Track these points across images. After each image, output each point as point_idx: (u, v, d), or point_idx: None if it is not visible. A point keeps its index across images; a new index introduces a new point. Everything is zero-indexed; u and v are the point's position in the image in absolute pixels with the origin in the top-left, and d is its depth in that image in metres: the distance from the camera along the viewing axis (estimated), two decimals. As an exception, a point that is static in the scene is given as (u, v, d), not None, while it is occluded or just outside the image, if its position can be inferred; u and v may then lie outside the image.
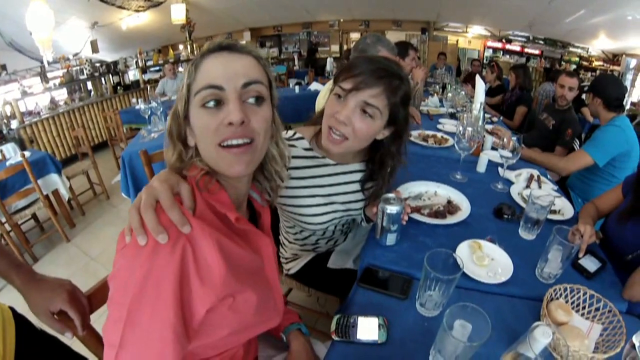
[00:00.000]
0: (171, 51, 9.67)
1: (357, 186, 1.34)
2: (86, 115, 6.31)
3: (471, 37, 10.96)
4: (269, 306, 0.88)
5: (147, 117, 3.69)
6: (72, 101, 6.52)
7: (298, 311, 1.88)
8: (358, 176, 1.34)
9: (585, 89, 2.33)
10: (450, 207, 1.45)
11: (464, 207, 1.47)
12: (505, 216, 1.42)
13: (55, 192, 3.52)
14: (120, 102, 7.08)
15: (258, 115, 0.74)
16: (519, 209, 1.49)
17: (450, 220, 1.38)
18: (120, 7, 7.23)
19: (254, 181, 0.93)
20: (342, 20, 10.90)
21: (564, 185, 2.50)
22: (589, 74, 9.41)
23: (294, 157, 1.21)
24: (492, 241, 1.23)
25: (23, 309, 1.00)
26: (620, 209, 1.45)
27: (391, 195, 1.18)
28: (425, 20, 10.28)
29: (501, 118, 3.59)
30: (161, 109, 3.73)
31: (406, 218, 1.19)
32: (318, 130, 1.22)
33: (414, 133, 2.36)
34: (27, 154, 3.20)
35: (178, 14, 8.12)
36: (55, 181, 3.47)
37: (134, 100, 6.09)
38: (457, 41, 11.03)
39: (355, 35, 11.33)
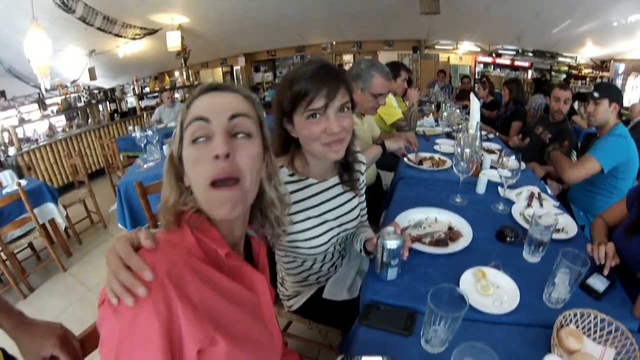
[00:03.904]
0: (167, 78, 9.76)
1: (342, 199, 1.38)
2: (83, 143, 6.31)
3: (462, 54, 11.08)
4: (266, 345, 0.84)
5: (142, 145, 3.68)
6: (70, 128, 6.54)
7: (300, 343, 1.86)
8: (339, 189, 1.38)
9: (596, 94, 2.20)
10: (452, 234, 1.42)
11: (466, 232, 1.44)
12: (508, 239, 1.39)
13: (52, 221, 3.49)
14: (117, 130, 7.09)
15: (244, 150, 0.74)
16: (522, 230, 1.46)
17: (452, 248, 1.35)
18: (117, 35, 7.31)
19: (251, 224, 0.92)
20: (334, 42, 11.04)
21: (564, 199, 2.47)
22: (579, 82, 9.51)
23: None
24: (496, 267, 1.20)
25: (14, 349, 0.98)
26: (625, 223, 1.43)
27: (390, 228, 1.16)
28: (416, 38, 10.41)
29: (497, 134, 3.59)
30: (157, 137, 3.71)
31: (406, 254, 1.16)
32: (290, 158, 1.27)
33: (410, 156, 2.34)
34: (23, 182, 3.18)
35: (173, 41, 8.21)
36: (51, 210, 3.44)
37: (130, 127, 6.09)
38: (448, 58, 11.17)
39: (347, 57, 11.48)
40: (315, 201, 1.31)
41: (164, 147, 3.61)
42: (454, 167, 1.72)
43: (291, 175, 1.28)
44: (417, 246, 1.35)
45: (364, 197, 1.54)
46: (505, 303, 1.08)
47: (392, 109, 3.01)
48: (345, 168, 1.36)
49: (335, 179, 1.37)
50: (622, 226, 1.43)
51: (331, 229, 1.35)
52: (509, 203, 1.72)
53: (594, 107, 2.24)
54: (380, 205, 2.20)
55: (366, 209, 1.58)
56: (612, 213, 1.58)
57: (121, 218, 3.15)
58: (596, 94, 2.21)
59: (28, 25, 5.08)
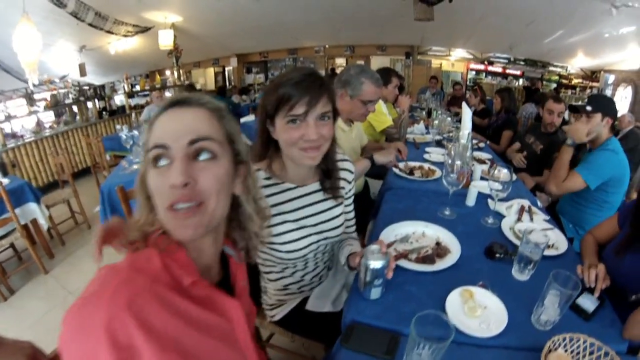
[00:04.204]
0: (158, 77, 9.67)
1: (323, 205, 1.35)
2: (70, 141, 6.20)
3: (454, 60, 11.17)
4: None
5: (129, 146, 3.60)
6: (58, 124, 6.45)
7: (283, 355, 1.80)
8: (320, 195, 1.35)
9: (589, 108, 2.15)
10: (439, 250, 1.38)
11: (454, 249, 1.40)
12: (498, 255, 1.35)
13: (35, 221, 3.40)
14: (106, 128, 7.00)
15: (208, 174, 0.69)
16: (511, 246, 1.43)
17: (440, 265, 1.30)
18: (108, 31, 7.27)
19: (230, 238, 0.87)
20: (327, 45, 11.05)
21: (553, 210, 2.45)
22: (569, 92, 9.63)
23: None
24: (484, 287, 1.16)
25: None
26: (617, 241, 1.41)
27: (375, 247, 1.11)
28: (410, 44, 10.46)
29: (487, 142, 3.57)
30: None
31: (391, 274, 1.12)
32: (268, 162, 1.27)
33: (400, 165, 2.29)
34: (5, 181, 3.10)
35: (166, 39, 8.17)
36: (33, 210, 3.34)
37: (118, 126, 5.99)
38: (440, 64, 11.24)
39: (340, 61, 11.50)
40: (292, 206, 1.29)
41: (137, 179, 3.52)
42: (443, 179, 1.67)
43: (267, 178, 1.27)
44: (403, 263, 1.30)
45: (351, 206, 1.50)
46: (493, 325, 1.04)
47: (382, 115, 2.97)
48: (327, 175, 1.34)
49: (315, 185, 1.35)
50: (613, 244, 1.41)
51: (309, 235, 1.31)
52: (499, 216, 1.69)
53: (587, 121, 2.19)
54: (367, 215, 2.15)
55: (354, 219, 1.53)
56: (603, 230, 1.56)
57: (104, 221, 3.05)
58: (589, 108, 2.16)
59: (19, 19, 5.00)
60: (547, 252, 1.40)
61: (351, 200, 1.50)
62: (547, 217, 1.71)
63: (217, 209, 0.72)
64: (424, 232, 1.53)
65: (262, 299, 1.55)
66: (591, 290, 1.18)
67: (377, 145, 2.61)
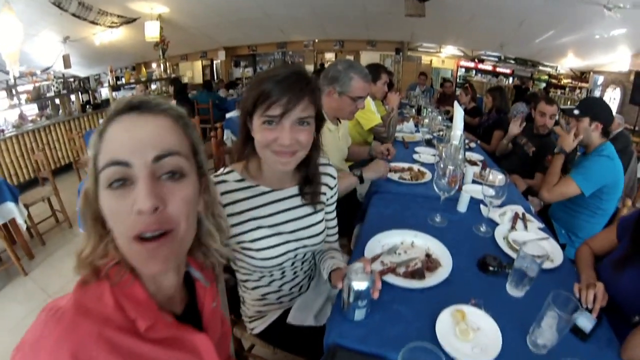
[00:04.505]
0: (144, 69, 9.47)
1: (301, 211, 1.26)
2: (52, 135, 5.94)
3: (444, 57, 11.17)
4: None
5: None
6: (40, 118, 6.19)
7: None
8: (298, 200, 1.26)
9: (577, 111, 2.12)
10: (429, 263, 1.28)
11: (445, 261, 1.30)
12: (491, 269, 1.27)
13: (13, 220, 3.23)
14: (89, 122, 6.77)
15: (177, 197, 0.60)
16: (505, 258, 1.34)
17: (430, 281, 1.21)
18: (92, 22, 7.13)
19: (192, 257, 0.77)
20: (316, 40, 10.95)
21: (546, 215, 2.38)
22: (558, 92, 9.70)
23: (227, 192, 1.16)
24: (477, 305, 1.07)
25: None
26: (615, 255, 1.33)
27: (359, 265, 1.01)
28: (400, 40, 10.40)
29: (478, 142, 3.51)
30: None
31: (377, 295, 1.02)
32: (246, 161, 1.19)
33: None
34: (-21, 181, 2.95)
35: (152, 31, 8.03)
36: (10, 210, 3.17)
37: (101, 120, 5.79)
38: (430, 61, 11.22)
39: (329, 55, 11.39)
40: (267, 210, 1.20)
41: (80, 197, 3.37)
42: (434, 185, 1.57)
43: (240, 180, 1.18)
44: (391, 279, 1.20)
45: (333, 214, 1.41)
46: (486, 349, 0.96)
47: (371, 113, 2.86)
48: (306, 180, 1.24)
49: (294, 189, 1.25)
50: (611, 258, 1.34)
51: (287, 242, 1.22)
52: (492, 224, 1.60)
53: (576, 125, 2.16)
54: (353, 217, 2.05)
55: (336, 228, 1.44)
56: (600, 241, 1.48)
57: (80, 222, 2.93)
58: (577, 112, 2.13)
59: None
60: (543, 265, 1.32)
61: (333, 207, 1.40)
62: (542, 225, 1.64)
63: (187, 235, 0.63)
64: (413, 242, 1.43)
65: (240, 310, 1.45)
66: (589, 309, 1.11)
67: (362, 151, 2.49)
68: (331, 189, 1.35)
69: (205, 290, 0.79)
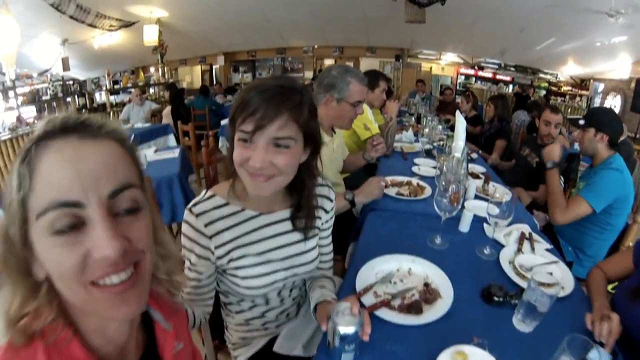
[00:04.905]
0: (142, 74, 9.41)
1: (292, 237, 1.13)
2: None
3: (444, 64, 11.12)
4: None
5: None
6: (37, 121, 6.07)
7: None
8: (289, 225, 1.12)
9: (582, 122, 2.04)
10: (428, 294, 1.14)
11: (445, 292, 1.16)
12: (496, 299, 1.14)
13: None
14: None
15: (138, 229, 0.52)
16: (511, 286, 1.22)
17: (428, 316, 1.07)
18: (90, 25, 7.09)
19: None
20: (316, 46, 10.90)
21: (552, 231, 2.26)
22: (558, 99, 9.65)
23: (208, 224, 1.01)
24: (480, 346, 0.95)
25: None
26: (631, 283, 1.21)
27: (345, 305, 0.88)
28: (400, 47, 10.35)
29: (480, 152, 3.40)
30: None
31: (366, 338, 0.89)
32: (232, 180, 1.04)
33: (387, 180, 2.01)
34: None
35: (151, 35, 8.02)
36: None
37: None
38: (430, 68, 11.17)
39: (329, 62, 11.33)
40: (254, 237, 1.07)
41: None
42: (435, 204, 1.44)
43: (223, 205, 1.05)
44: (384, 314, 1.07)
45: (328, 239, 1.27)
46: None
47: (368, 122, 2.74)
48: (299, 206, 1.11)
49: (284, 213, 1.12)
50: (627, 285, 1.22)
51: (276, 271, 1.09)
52: (497, 246, 1.47)
53: (581, 135, 2.07)
54: (348, 235, 1.89)
55: (331, 254, 1.30)
56: (614, 266, 1.36)
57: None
58: (582, 122, 2.05)
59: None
60: (552, 292, 1.20)
61: (329, 232, 1.26)
62: (550, 246, 1.51)
63: (150, 266, 0.55)
64: (410, 269, 1.28)
65: (225, 335, 1.33)
66: (602, 344, 0.99)
67: (357, 159, 2.34)
68: (327, 212, 1.21)
69: (165, 334, 0.67)
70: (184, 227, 1.02)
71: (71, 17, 6.54)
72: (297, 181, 1.06)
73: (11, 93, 6.51)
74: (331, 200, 1.22)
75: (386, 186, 1.93)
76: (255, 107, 0.88)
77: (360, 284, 1.19)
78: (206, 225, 1.00)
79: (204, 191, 1.09)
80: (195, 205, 1.03)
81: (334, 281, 1.27)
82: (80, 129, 0.49)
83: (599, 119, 2.04)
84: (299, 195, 1.09)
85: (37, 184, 0.46)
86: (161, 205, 2.72)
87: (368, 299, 1.13)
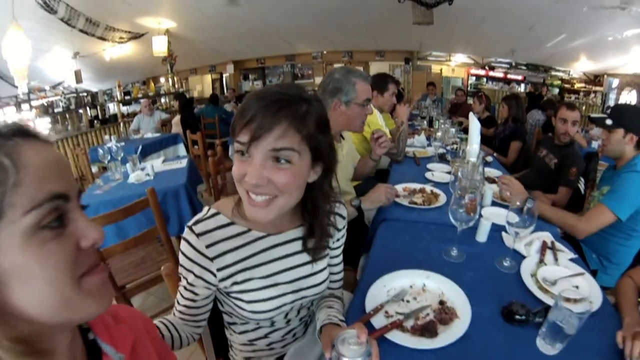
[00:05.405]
0: (152, 84, 9.50)
1: (301, 258, 1.05)
2: (60, 150, 5.88)
3: (455, 66, 11.00)
4: None
5: (106, 161, 3.28)
6: (49, 134, 6.24)
7: None
8: (299, 245, 1.04)
9: (609, 121, 1.90)
10: (444, 313, 1.06)
11: (462, 311, 1.07)
12: (518, 317, 1.06)
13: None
14: (96, 137, 6.88)
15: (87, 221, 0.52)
16: (534, 302, 1.13)
17: (444, 339, 0.98)
18: (101, 37, 7.21)
19: None
20: (325, 52, 10.87)
21: (573, 238, 2.13)
22: (572, 97, 9.47)
23: (210, 245, 0.94)
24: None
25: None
26: None
27: (351, 333, 0.79)
28: (409, 50, 10.27)
29: (494, 154, 3.29)
30: (122, 154, 3.32)
31: None
32: (238, 197, 0.95)
33: (398, 188, 1.95)
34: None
35: (160, 45, 8.09)
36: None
37: (106, 137, 5.75)
38: (440, 70, 11.05)
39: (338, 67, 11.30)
40: (261, 259, 0.99)
41: (127, 164, 3.23)
42: (450, 215, 1.35)
43: (227, 225, 0.97)
44: (396, 337, 0.99)
45: (340, 257, 1.19)
46: None
47: (379, 127, 2.67)
48: (310, 229, 1.02)
49: (294, 232, 1.04)
50: None
51: (284, 295, 1.01)
52: (517, 256, 1.38)
53: (607, 136, 1.94)
54: (359, 245, 1.82)
55: (342, 273, 1.22)
56: None
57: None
58: (609, 122, 1.91)
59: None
60: (577, 308, 1.10)
61: (340, 250, 1.18)
62: (574, 256, 1.42)
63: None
64: (424, 286, 1.20)
65: (229, 354, 1.26)
66: None
67: (366, 163, 2.26)
68: (339, 230, 1.13)
69: None
70: (183, 246, 0.95)
71: (81, 30, 6.63)
72: (309, 203, 0.99)
73: (25, 106, 6.62)
74: (344, 218, 1.14)
75: (397, 196, 1.85)
76: (252, 116, 0.80)
77: (370, 304, 1.11)
78: (208, 247, 0.93)
79: (206, 208, 1.01)
80: (196, 223, 0.95)
81: (342, 301, 1.20)
82: (33, 133, 0.49)
83: (627, 118, 1.90)
84: (311, 218, 1.01)
85: (25, 177, 0.43)
86: (168, 216, 2.67)
87: (379, 320, 1.05)
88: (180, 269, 0.97)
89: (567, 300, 0.94)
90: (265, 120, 0.79)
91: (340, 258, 1.20)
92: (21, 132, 0.47)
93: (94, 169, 4.67)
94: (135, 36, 7.85)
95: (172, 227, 2.69)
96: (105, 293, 0.52)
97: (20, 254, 0.43)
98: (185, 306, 0.99)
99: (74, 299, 0.47)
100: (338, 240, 1.15)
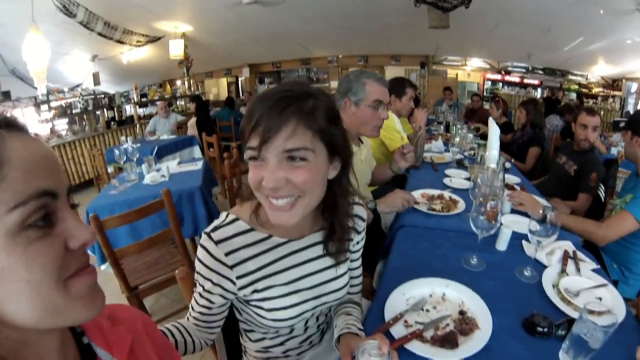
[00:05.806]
0: (168, 87, 9.63)
1: (322, 263, 1.03)
2: (77, 150, 6.17)
3: (470, 70, 10.89)
4: None
5: (122, 162, 3.31)
6: (67, 133, 6.46)
7: None
8: (319, 249, 1.02)
9: (622, 124, 1.93)
10: (464, 324, 1.03)
11: (483, 322, 1.04)
12: (540, 329, 1.02)
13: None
14: (113, 138, 7.01)
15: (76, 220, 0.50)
16: (556, 313, 1.10)
17: (464, 350, 0.95)
18: (118, 41, 7.36)
19: None
20: (340, 56, 10.88)
21: (594, 247, 2.08)
22: (590, 101, 9.32)
23: (230, 252, 0.92)
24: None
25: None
26: None
27: (372, 344, 0.77)
28: (424, 54, 10.22)
29: (512, 160, 3.23)
30: (138, 155, 3.36)
31: None
32: (257, 203, 0.93)
33: (416, 194, 1.93)
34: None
35: (176, 49, 8.20)
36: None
37: (122, 138, 5.83)
38: (456, 74, 10.95)
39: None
40: (281, 265, 0.97)
41: (143, 165, 3.26)
42: (470, 223, 1.32)
43: (247, 231, 0.94)
44: (415, 347, 0.96)
45: (359, 261, 1.17)
46: None
47: (396, 132, 2.65)
48: (331, 230, 0.99)
49: (315, 237, 1.02)
50: None
51: (305, 301, 1.00)
52: (538, 266, 1.35)
53: (623, 138, 1.97)
54: (376, 251, 1.79)
55: (361, 277, 1.21)
56: None
57: (90, 247, 2.80)
58: (622, 124, 1.92)
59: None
60: (601, 320, 1.06)
61: (359, 254, 1.16)
62: (597, 266, 1.38)
63: None
64: (444, 295, 1.17)
65: None
66: None
67: (384, 169, 2.24)
68: (359, 233, 1.11)
69: None
70: (201, 253, 0.92)
71: (99, 34, 6.78)
72: (328, 200, 0.96)
73: (44, 107, 6.77)
74: (363, 220, 1.12)
75: (416, 203, 1.83)
76: (258, 118, 0.77)
77: (389, 312, 1.09)
78: (227, 254, 0.91)
79: (224, 213, 0.99)
80: (214, 230, 0.93)
81: (361, 307, 1.18)
82: (20, 125, 0.46)
83: (634, 121, 1.91)
84: (332, 217, 0.98)
85: (10, 172, 0.41)
86: (182, 218, 2.68)
87: (398, 330, 1.03)
88: (197, 276, 0.96)
89: (591, 312, 0.91)
90: (272, 121, 0.76)
91: (360, 262, 1.18)
92: (7, 124, 0.44)
93: (110, 170, 4.74)
94: (152, 40, 7.98)
95: (186, 229, 2.70)
96: (95, 296, 0.49)
97: (4, 255, 0.40)
98: (200, 313, 0.98)
99: (61, 303, 0.45)
100: (358, 243, 1.13)
